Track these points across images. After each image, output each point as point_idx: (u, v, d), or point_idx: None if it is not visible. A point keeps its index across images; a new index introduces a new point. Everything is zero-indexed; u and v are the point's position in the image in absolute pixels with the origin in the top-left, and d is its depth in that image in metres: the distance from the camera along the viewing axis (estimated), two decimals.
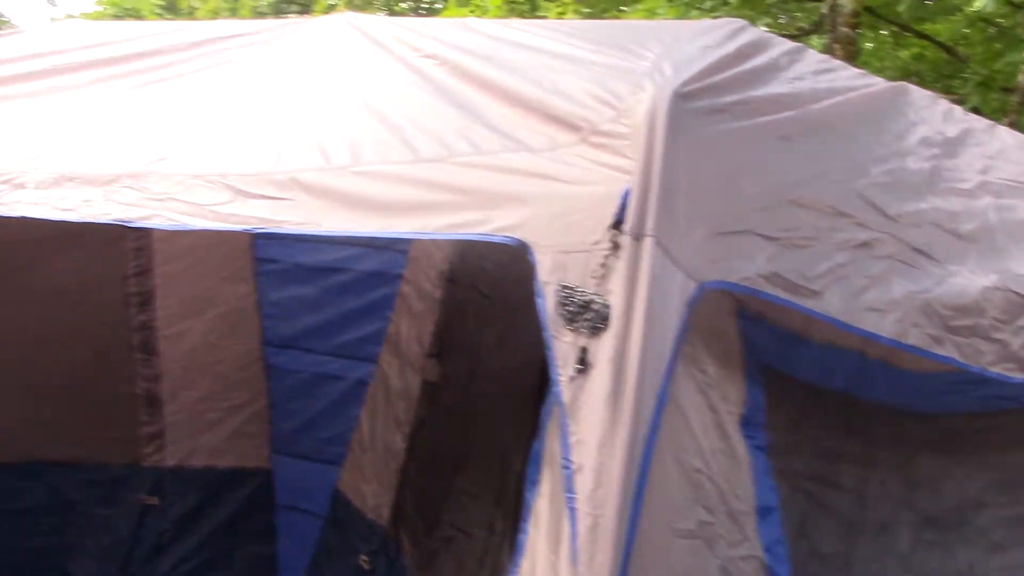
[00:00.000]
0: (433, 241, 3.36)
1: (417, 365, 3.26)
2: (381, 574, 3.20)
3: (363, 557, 3.27)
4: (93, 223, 1.86)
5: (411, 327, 3.36)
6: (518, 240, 1.70)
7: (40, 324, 3.59)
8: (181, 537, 3.73)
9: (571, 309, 1.63)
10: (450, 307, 3.06)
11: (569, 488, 1.52)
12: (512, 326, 2.57)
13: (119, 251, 3.72)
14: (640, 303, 1.55)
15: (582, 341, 1.61)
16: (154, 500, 3.74)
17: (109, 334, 3.73)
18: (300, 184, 1.92)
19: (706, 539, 1.66)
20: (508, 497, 2.47)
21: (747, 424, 1.81)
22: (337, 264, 3.73)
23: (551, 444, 1.69)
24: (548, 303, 1.63)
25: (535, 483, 1.69)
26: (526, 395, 2.40)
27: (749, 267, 1.71)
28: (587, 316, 1.61)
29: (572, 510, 1.51)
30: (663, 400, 1.57)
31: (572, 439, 1.55)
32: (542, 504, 1.65)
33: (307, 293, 3.76)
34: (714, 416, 1.73)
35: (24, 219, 2.15)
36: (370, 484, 3.38)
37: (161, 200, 2.05)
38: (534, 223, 1.70)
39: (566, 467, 1.54)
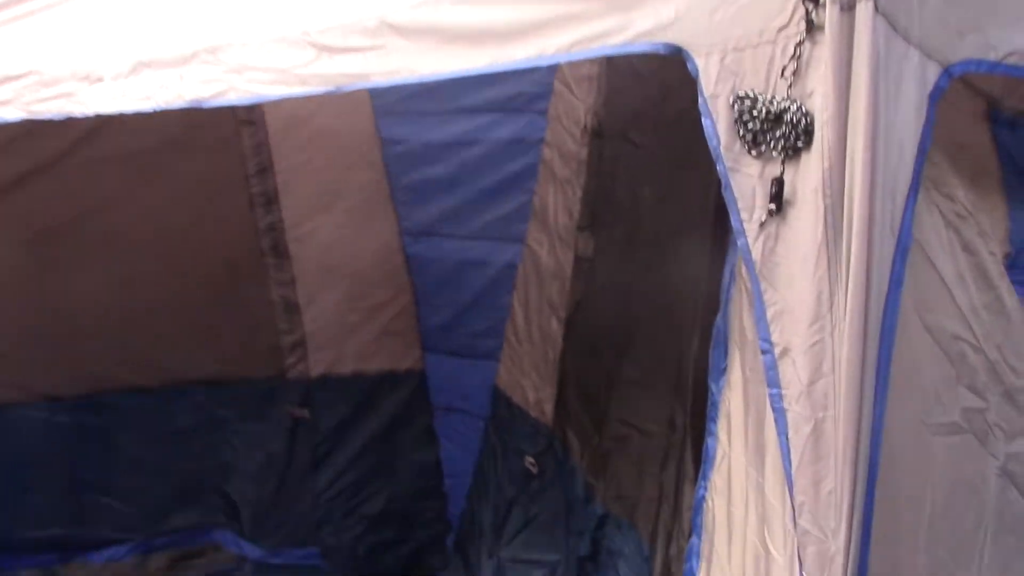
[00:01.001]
0: (574, 93, 2.89)
1: (568, 239, 2.81)
2: (550, 477, 2.83)
3: (529, 459, 2.91)
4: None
5: (557, 197, 2.91)
6: (669, 45, 1.22)
7: (165, 238, 3.35)
8: (337, 449, 3.49)
9: (754, 127, 1.14)
10: (599, 167, 2.59)
11: (773, 381, 1.04)
12: (675, 178, 2.08)
13: (237, 151, 3.41)
14: (860, 101, 1.04)
15: (773, 170, 1.12)
16: (304, 413, 3.49)
17: (237, 240, 3.46)
18: (391, 27, 1.56)
19: (976, 433, 1.17)
20: (686, 386, 2.03)
21: (1015, 267, 1.28)
22: (469, 136, 3.30)
23: (738, 319, 1.22)
24: (719, 124, 1.14)
25: (721, 371, 1.22)
26: (699, 258, 1.92)
27: (1018, 39, 1.15)
28: (778, 133, 1.11)
29: (779, 411, 1.04)
30: (905, 242, 1.06)
31: (769, 310, 1.08)
32: (733, 399, 1.19)
33: (442, 172, 3.36)
34: (972, 259, 1.21)
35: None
36: (529, 378, 3.00)
37: (238, 72, 1.73)
38: (689, 19, 1.22)
39: (765, 351, 1.07)
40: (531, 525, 2.91)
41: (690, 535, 1.50)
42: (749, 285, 1.24)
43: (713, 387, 1.40)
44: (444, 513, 3.55)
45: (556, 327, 2.85)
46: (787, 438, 1.09)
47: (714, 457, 1.39)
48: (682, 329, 2.07)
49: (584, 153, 2.72)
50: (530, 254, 3.13)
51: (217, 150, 3.39)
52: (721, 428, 1.36)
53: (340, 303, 3.51)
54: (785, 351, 1.10)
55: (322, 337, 3.51)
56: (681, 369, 2.10)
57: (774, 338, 1.11)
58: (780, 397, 1.10)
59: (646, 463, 2.26)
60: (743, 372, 1.30)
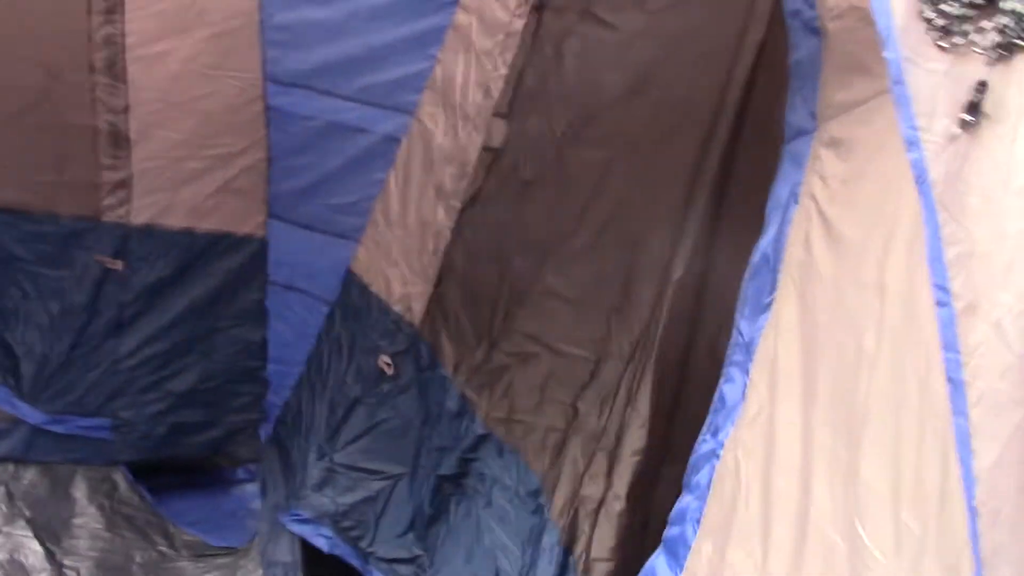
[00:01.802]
0: None
1: (478, 122, 2.46)
2: (406, 382, 2.52)
3: (384, 358, 2.58)
4: None
5: (470, 70, 2.54)
6: None
7: None
8: (149, 312, 3.03)
9: (951, 9, 0.84)
10: (538, 45, 2.24)
11: (950, 343, 0.79)
12: (666, 71, 1.78)
13: None
14: None
15: (971, 70, 0.84)
16: (117, 264, 2.99)
17: (63, 48, 2.89)
18: None
19: None
20: (638, 311, 1.76)
21: None
22: None
23: (801, 246, 0.96)
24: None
25: (763, 307, 0.96)
26: (682, 171, 1.65)
27: None
28: (990, 23, 0.83)
29: (957, 383, 0.79)
30: None
31: (949, 250, 0.81)
32: (781, 344, 0.98)
33: (327, 16, 2.91)
34: None
35: None
36: (397, 268, 2.66)
37: None
38: None
39: (941, 303, 0.81)
40: (375, 431, 2.60)
41: (681, 493, 1.25)
42: (826, 209, 0.98)
43: (745, 325, 1.14)
44: (262, 400, 3.17)
45: (443, 217, 2.52)
46: (967, 419, 0.84)
47: (739, 409, 1.12)
48: (644, 246, 1.80)
49: (518, 25, 2.36)
50: (420, 130, 2.76)
51: None
52: (758, 376, 1.10)
53: (179, 145, 3.02)
54: (971, 306, 0.84)
55: (152, 181, 3.02)
56: (630, 290, 1.83)
57: (955, 287, 0.85)
58: (959, 365, 0.85)
59: (554, 388, 2.00)
60: (804, 312, 1.04)
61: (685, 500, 1.22)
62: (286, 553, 2.59)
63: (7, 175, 2.95)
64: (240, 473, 3.22)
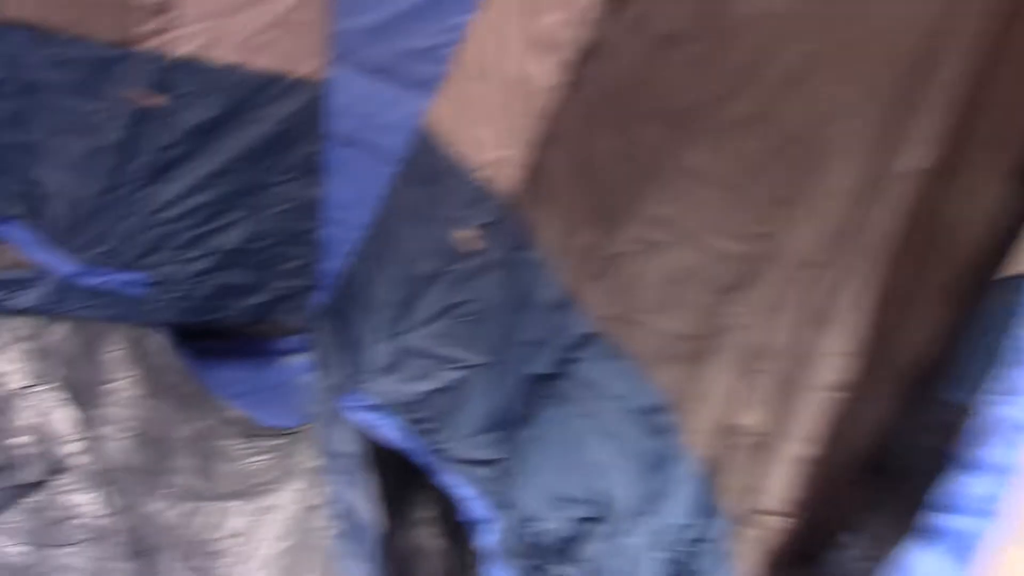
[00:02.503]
0: None
1: None
2: (493, 262, 2.19)
3: (464, 232, 2.24)
4: None
5: None
6: None
7: None
8: (192, 158, 2.69)
9: None
10: None
11: None
12: None
13: None
14: None
15: None
16: (160, 100, 2.61)
17: None
18: None
19: None
20: (837, 214, 1.41)
21: None
22: None
23: None
24: None
25: None
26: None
27: None
28: None
29: None
30: None
31: None
32: None
33: None
34: None
35: None
36: (485, 128, 2.29)
37: None
38: None
39: None
40: (452, 314, 2.28)
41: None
42: None
43: None
44: (314, 266, 2.85)
45: (549, 71, 2.13)
46: None
47: None
48: (843, 120, 1.43)
49: None
50: None
51: None
52: None
53: None
54: None
55: (198, 6, 2.63)
56: (815, 177, 1.47)
57: None
58: None
59: (691, 287, 1.66)
60: None
61: (973, 482, 0.91)
62: (348, 442, 2.32)
63: None
64: (287, 344, 2.93)
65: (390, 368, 2.39)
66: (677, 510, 1.66)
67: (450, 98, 2.49)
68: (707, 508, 1.61)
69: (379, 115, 2.70)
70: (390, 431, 2.31)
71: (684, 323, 1.69)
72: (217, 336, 2.86)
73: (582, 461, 1.92)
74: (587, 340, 1.94)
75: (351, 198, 2.78)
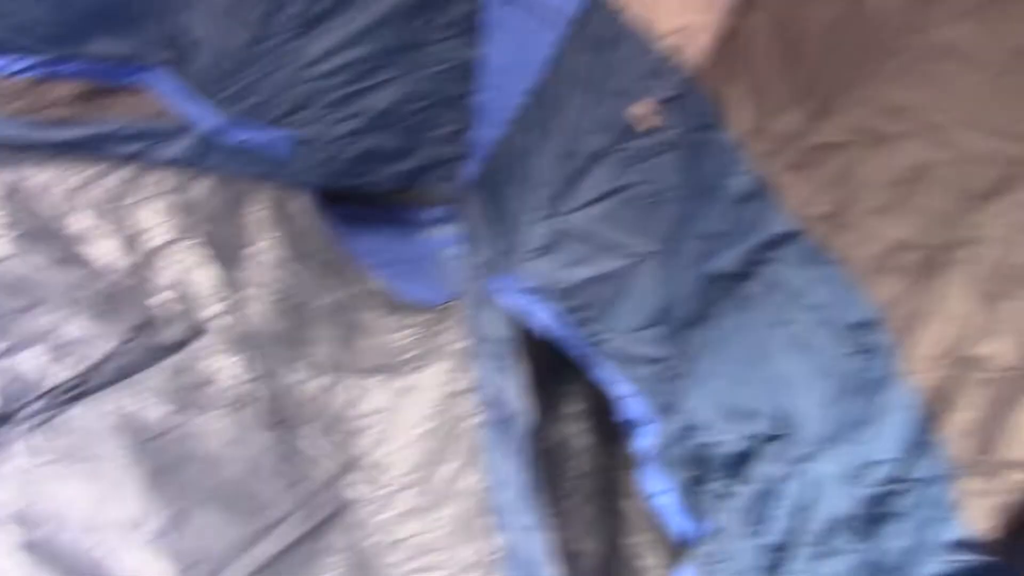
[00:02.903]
0: None
1: None
2: (672, 140, 1.97)
3: (640, 107, 2.02)
4: None
5: None
6: None
7: None
8: (343, 11, 2.51)
9: None
10: None
11: None
12: None
13: None
14: None
15: None
16: None
17: None
18: None
19: None
20: None
21: None
22: None
23: None
24: None
25: None
26: None
27: None
28: None
29: None
30: None
31: None
32: None
33: None
34: None
35: None
36: None
37: None
38: None
39: None
40: (621, 195, 2.08)
41: None
42: None
43: None
44: (465, 133, 2.66)
45: None
46: None
47: None
48: None
49: None
50: None
51: None
52: None
53: None
54: None
55: None
56: None
57: None
58: None
59: (927, 189, 1.42)
60: None
61: None
62: (498, 326, 2.17)
63: None
64: (432, 214, 2.77)
65: (547, 249, 2.21)
66: (881, 442, 1.46)
67: None
68: (921, 445, 1.40)
69: None
70: (544, 317, 2.15)
71: (914, 230, 1.46)
72: (359, 201, 2.71)
73: (766, 373, 1.72)
74: (784, 239, 1.72)
75: (510, 62, 2.56)
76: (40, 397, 2.04)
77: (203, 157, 2.56)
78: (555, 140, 2.32)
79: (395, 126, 2.62)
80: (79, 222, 2.35)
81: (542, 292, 2.18)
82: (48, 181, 2.36)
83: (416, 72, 2.60)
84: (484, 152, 2.63)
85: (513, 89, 2.55)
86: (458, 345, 2.32)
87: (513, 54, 2.55)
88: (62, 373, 2.08)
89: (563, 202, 2.22)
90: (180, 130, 2.55)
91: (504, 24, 2.56)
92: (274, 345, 2.26)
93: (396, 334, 2.37)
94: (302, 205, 2.56)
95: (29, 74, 2.60)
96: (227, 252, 2.37)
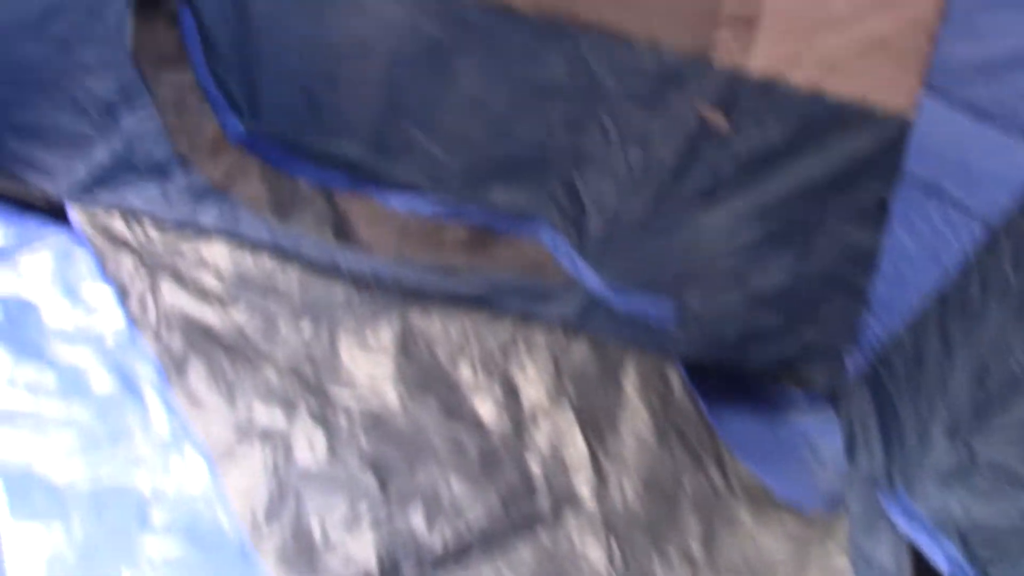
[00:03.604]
0: None
1: None
2: None
3: None
4: None
5: None
6: None
7: None
8: (747, 186, 2.45)
9: None
10: None
11: None
12: None
13: None
14: None
15: None
16: (720, 119, 2.39)
17: None
18: None
19: None
20: None
21: None
22: None
23: None
24: None
25: None
26: None
27: None
28: None
29: None
30: None
31: None
32: None
33: None
34: None
35: None
36: None
37: None
38: None
39: None
40: None
41: None
42: None
43: None
44: (855, 321, 2.52)
45: None
46: None
47: None
48: None
49: None
50: None
51: None
52: None
53: None
54: None
55: (783, 20, 2.36)
56: None
57: None
58: None
59: None
60: None
61: None
62: (887, 555, 1.99)
63: None
64: (803, 398, 2.64)
65: (951, 476, 2.02)
66: None
67: None
68: None
69: (974, 164, 2.29)
70: (942, 560, 1.94)
71: None
72: (727, 376, 2.64)
73: None
74: None
75: (916, 256, 2.41)
76: (415, 562, 2.09)
77: (584, 319, 2.59)
78: (964, 355, 2.13)
79: (783, 306, 2.53)
80: (462, 375, 2.44)
81: (939, 526, 1.98)
82: (436, 330, 2.47)
83: (812, 253, 2.50)
84: (875, 346, 2.47)
85: (915, 286, 2.39)
86: (837, 562, 2.16)
87: (920, 249, 2.40)
88: (436, 537, 2.13)
89: (972, 427, 2.02)
90: (565, 290, 2.59)
91: (915, 213, 2.42)
92: (640, 530, 2.21)
93: (766, 537, 2.25)
94: (678, 377, 2.52)
95: (431, 214, 2.77)
96: (601, 421, 2.37)
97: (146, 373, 2.31)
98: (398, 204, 2.76)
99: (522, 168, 2.65)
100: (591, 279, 2.58)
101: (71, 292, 2.46)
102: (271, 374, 2.33)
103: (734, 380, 2.61)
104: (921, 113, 2.35)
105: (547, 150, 2.60)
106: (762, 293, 2.52)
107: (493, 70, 2.54)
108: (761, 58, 2.38)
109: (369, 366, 2.41)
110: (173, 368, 2.31)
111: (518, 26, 2.48)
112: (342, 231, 2.70)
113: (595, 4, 2.45)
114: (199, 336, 2.38)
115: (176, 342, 2.36)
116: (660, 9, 2.43)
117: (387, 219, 2.75)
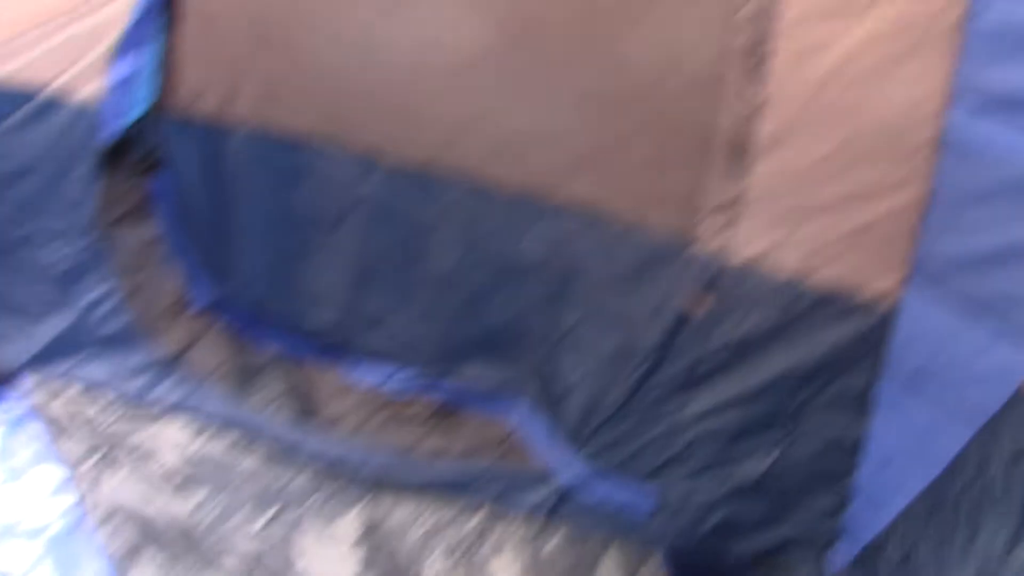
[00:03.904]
0: None
1: None
2: None
3: None
4: None
5: None
6: None
7: None
8: (728, 373, 2.41)
9: None
10: None
11: None
12: None
13: None
14: None
15: None
16: (705, 306, 2.35)
17: (698, 28, 2.26)
18: None
19: None
20: None
21: None
22: None
23: None
24: None
25: None
26: None
27: None
28: None
29: None
30: None
31: None
32: None
33: None
34: None
35: None
36: None
37: None
38: None
39: None
40: None
41: None
42: None
43: None
44: (840, 512, 2.44)
45: None
46: None
47: None
48: None
49: None
50: None
51: None
52: None
53: (815, 166, 2.32)
54: None
55: (769, 206, 2.35)
56: None
57: None
58: None
59: None
60: None
61: None
62: None
63: (592, 167, 2.41)
64: None
65: None
66: None
67: None
68: None
69: (960, 361, 2.25)
70: None
71: None
72: (710, 570, 2.53)
73: None
74: None
75: (902, 449, 2.34)
76: None
77: (559, 509, 2.49)
78: (951, 556, 2.05)
79: (764, 495, 2.45)
80: (432, 567, 2.31)
81: None
82: (406, 519, 2.35)
83: (794, 442, 2.43)
84: (859, 541, 2.38)
85: (898, 479, 2.33)
86: None
87: (906, 442, 2.34)
88: None
89: None
90: (539, 479, 2.50)
91: (899, 407, 2.37)
92: None
93: None
94: (654, 570, 2.40)
95: (401, 388, 2.68)
96: None
97: (94, 568, 2.16)
98: (367, 376, 2.68)
99: (497, 345, 2.59)
100: (567, 462, 2.49)
101: (16, 475, 2.31)
102: (225, 572, 2.19)
103: (715, 572, 2.50)
104: (905, 305, 2.32)
105: (523, 328, 2.54)
106: (744, 482, 2.44)
107: (469, 246, 2.49)
108: (745, 244, 2.35)
109: (331, 563, 2.27)
110: (123, 562, 2.16)
111: (496, 203, 2.45)
112: (307, 405, 2.60)
113: (577, 184, 2.43)
114: (151, 527, 2.24)
115: (126, 533, 2.21)
116: (644, 191, 2.41)
117: (354, 393, 2.66)
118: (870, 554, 2.34)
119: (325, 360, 2.69)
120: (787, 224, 2.33)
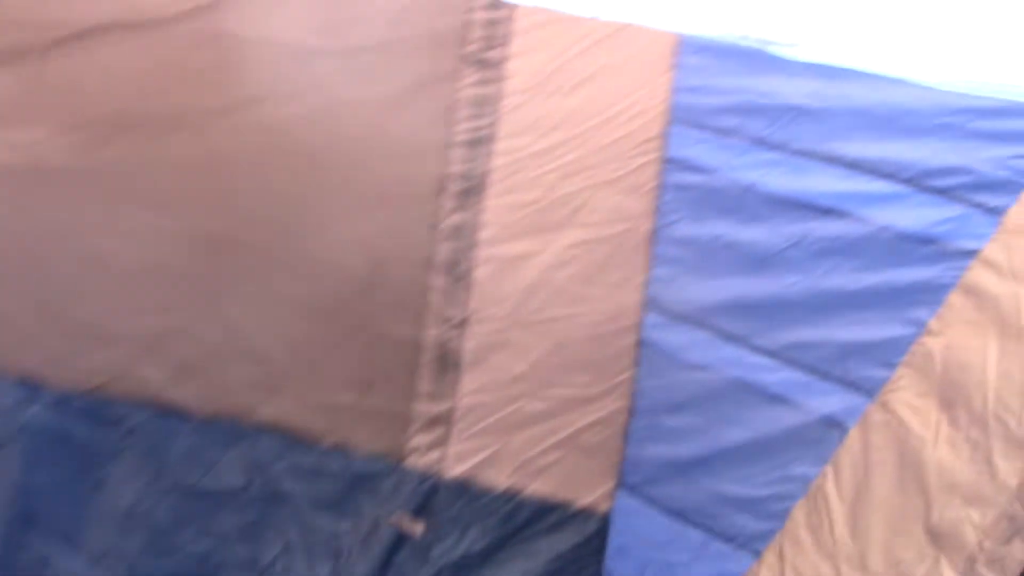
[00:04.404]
0: None
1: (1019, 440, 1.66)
2: None
3: None
4: None
5: (1008, 363, 1.74)
6: None
7: None
8: None
9: None
10: None
11: None
12: None
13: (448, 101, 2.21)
14: None
15: None
16: (417, 528, 2.23)
17: (400, 238, 2.22)
18: None
19: None
20: None
21: None
22: (827, 201, 2.12)
23: None
24: None
25: None
26: None
27: None
28: None
29: None
30: None
31: None
32: None
33: (753, 239, 2.17)
34: None
35: None
36: None
37: None
38: None
39: None
40: None
41: None
42: None
43: None
44: None
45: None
46: None
47: None
48: None
49: None
50: (890, 424, 1.96)
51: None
52: None
53: (520, 379, 2.33)
54: None
55: (478, 420, 2.32)
56: None
57: None
58: None
59: None
60: None
61: None
62: None
63: (294, 385, 2.26)
64: None
65: None
66: None
67: (777, 569, 2.05)
68: None
69: (676, 566, 2.26)
70: None
71: None
72: None
73: None
74: None
75: None
76: None
77: None
78: None
79: None
80: None
81: None
82: None
83: None
84: None
85: None
86: None
87: None
88: None
89: None
90: None
91: None
92: None
93: None
94: None
95: None
96: None
97: None
98: None
99: None
100: None
101: None
102: None
103: None
104: (617, 511, 2.32)
105: (219, 563, 2.27)
106: None
107: (155, 475, 2.23)
108: (457, 459, 2.27)
109: None
110: None
111: (186, 427, 2.22)
112: None
113: (275, 405, 2.26)
114: None
115: None
116: (347, 409, 2.28)
117: None
118: None
119: None
120: (499, 435, 2.28)
